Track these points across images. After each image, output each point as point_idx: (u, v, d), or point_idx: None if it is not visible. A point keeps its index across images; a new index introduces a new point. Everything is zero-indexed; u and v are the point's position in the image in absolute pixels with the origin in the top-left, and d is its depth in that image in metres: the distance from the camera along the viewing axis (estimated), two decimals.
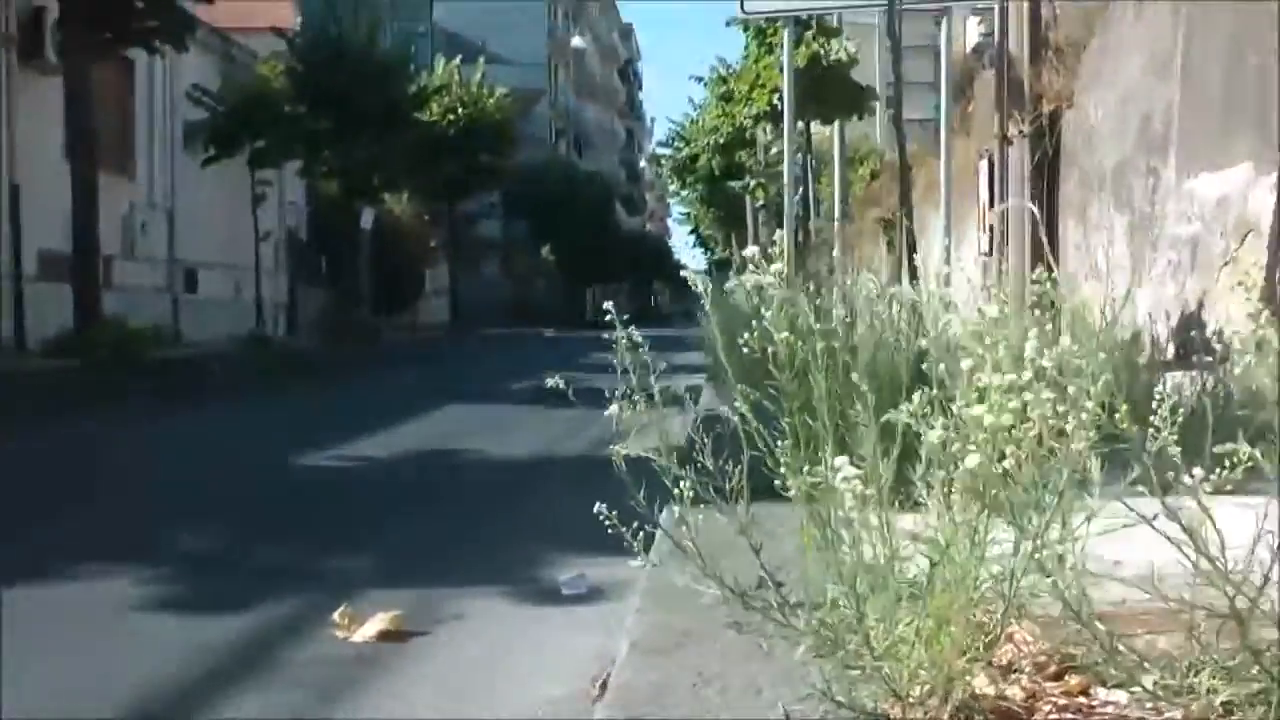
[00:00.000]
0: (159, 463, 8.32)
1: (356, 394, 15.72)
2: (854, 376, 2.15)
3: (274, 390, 16.06)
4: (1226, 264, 6.47)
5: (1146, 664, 2.07)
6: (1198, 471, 1.92)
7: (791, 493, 2.22)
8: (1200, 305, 6.61)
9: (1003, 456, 2.01)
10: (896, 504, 2.26)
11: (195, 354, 20.70)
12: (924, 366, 2.39)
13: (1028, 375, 2.00)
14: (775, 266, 2.25)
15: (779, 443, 2.23)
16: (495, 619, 3.94)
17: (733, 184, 29.93)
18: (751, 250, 2.33)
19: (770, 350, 2.33)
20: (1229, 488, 1.94)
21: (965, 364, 2.00)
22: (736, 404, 2.35)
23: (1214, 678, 2.01)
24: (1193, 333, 6.33)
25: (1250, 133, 6.45)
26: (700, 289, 2.66)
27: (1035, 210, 9.18)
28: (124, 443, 9.64)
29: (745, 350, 2.43)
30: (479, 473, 7.87)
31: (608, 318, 2.48)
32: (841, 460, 2.00)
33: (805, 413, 2.35)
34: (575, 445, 8.48)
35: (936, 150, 12.97)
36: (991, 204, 11.49)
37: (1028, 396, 1.91)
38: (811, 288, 4.41)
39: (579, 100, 77.45)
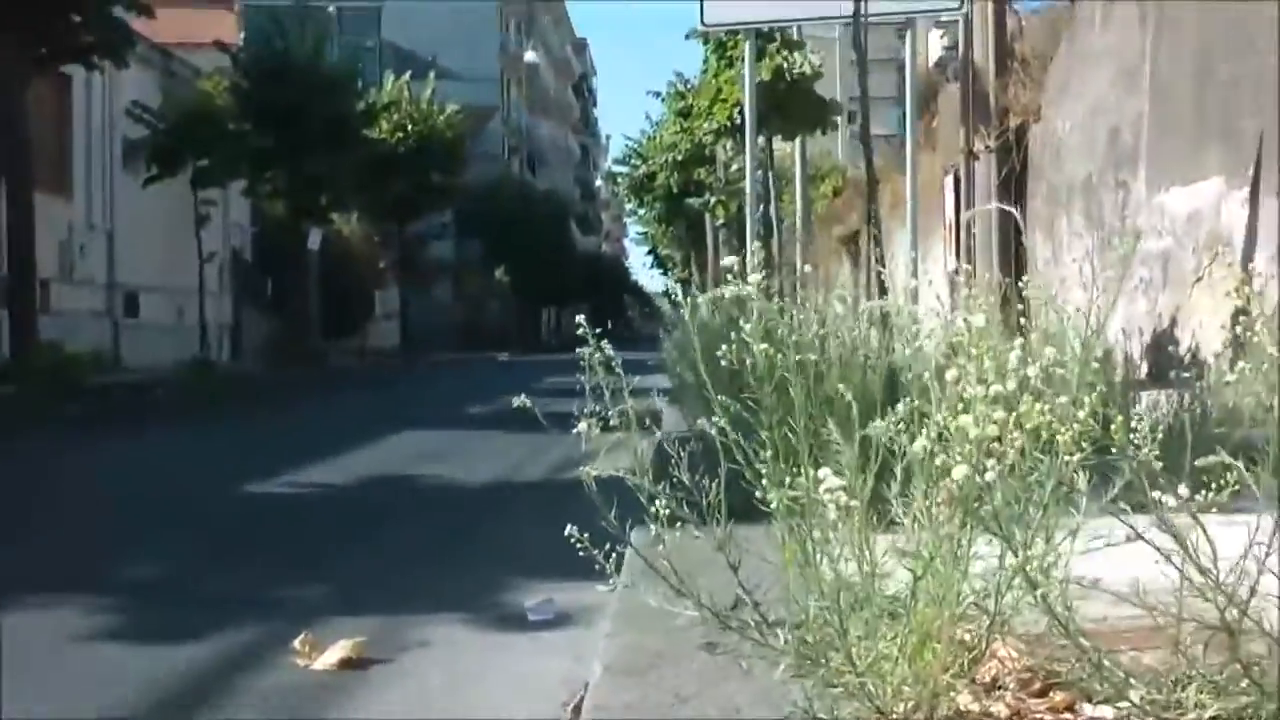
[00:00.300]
0: (102, 490, 8.26)
1: (306, 420, 15.66)
2: (839, 387, 2.18)
3: (220, 416, 15.96)
4: (1199, 279, 6.56)
5: (1133, 679, 2.10)
6: (1185, 485, 1.95)
7: (773, 505, 2.24)
8: (1173, 321, 6.70)
9: (984, 469, 2.04)
10: (874, 521, 2.28)
11: (137, 380, 20.57)
12: (904, 379, 2.43)
13: (1011, 386, 2.03)
14: (755, 278, 2.27)
15: (760, 454, 2.25)
16: (460, 645, 3.93)
17: (692, 201, 30.01)
18: (730, 260, 2.35)
19: (749, 363, 2.35)
20: (1213, 508, 1.97)
21: (950, 374, 2.03)
22: (715, 417, 2.36)
23: (1201, 692, 2.03)
24: (1169, 348, 6.41)
25: (1221, 146, 6.54)
26: (670, 305, 2.69)
27: (1017, 214, 9.27)
28: (64, 470, 9.56)
29: (723, 363, 2.45)
30: (439, 498, 7.86)
31: (580, 331, 2.50)
32: (825, 471, 2.02)
33: (784, 426, 2.37)
34: (537, 469, 8.49)
35: (901, 166, 13.08)
36: (958, 220, 11.60)
37: (1022, 408, 1.94)
38: (782, 303, 4.44)
39: (532, 116, 77.52)
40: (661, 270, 61.21)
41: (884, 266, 6.83)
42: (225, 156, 26.99)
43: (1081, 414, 1.95)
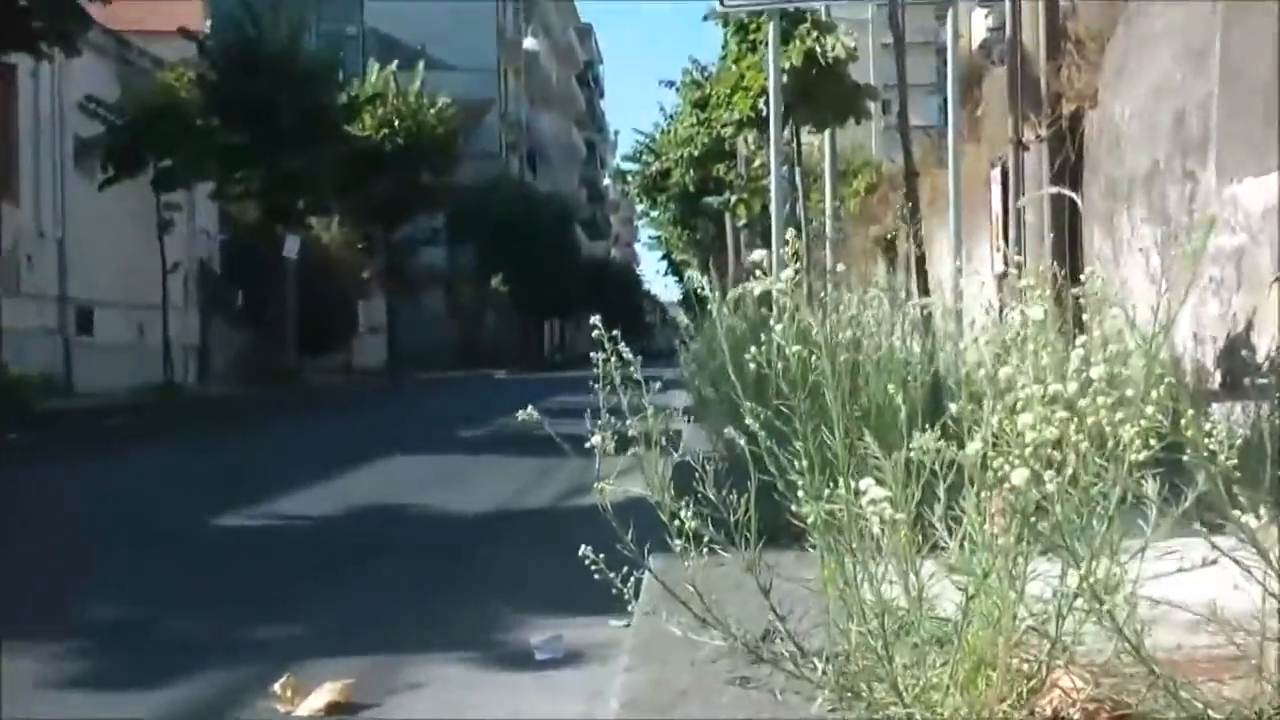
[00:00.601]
0: (60, 525, 8.28)
1: (284, 446, 15.68)
2: (889, 389, 2.19)
3: (188, 443, 16.00)
4: (1278, 279, 6.56)
5: (1212, 711, 2.10)
6: (1265, 500, 1.96)
7: (810, 521, 2.25)
8: (1249, 325, 6.69)
9: (1040, 479, 2.04)
10: (919, 542, 2.30)
11: (92, 404, 20.65)
12: (951, 383, 2.44)
13: (1073, 388, 2.04)
14: (787, 272, 2.29)
15: (794, 464, 2.27)
16: (458, 687, 3.94)
17: (710, 201, 30.05)
18: (760, 254, 2.37)
19: (780, 367, 2.37)
20: None
21: (1004, 372, 2.04)
22: (746, 423, 2.38)
23: None
24: (1244, 354, 6.41)
25: None
26: (692, 304, 2.72)
27: (1076, 197, 9.27)
28: (16, 504, 9.58)
29: (750, 367, 2.47)
30: (433, 528, 7.87)
31: (594, 333, 2.52)
32: (867, 482, 2.03)
33: (818, 435, 2.38)
34: (541, 496, 8.49)
35: (941, 158, 13.09)
36: (1006, 217, 11.61)
37: (1082, 403, 1.95)
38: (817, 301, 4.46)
39: (533, 110, 77.72)
40: (677, 277, 61.21)
41: (925, 267, 6.85)
42: (191, 155, 27.06)
43: (1149, 409, 1.96)
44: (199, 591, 5.87)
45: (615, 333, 2.56)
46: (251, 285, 33.86)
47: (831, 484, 2.27)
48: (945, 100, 12.24)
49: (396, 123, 42.37)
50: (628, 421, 2.56)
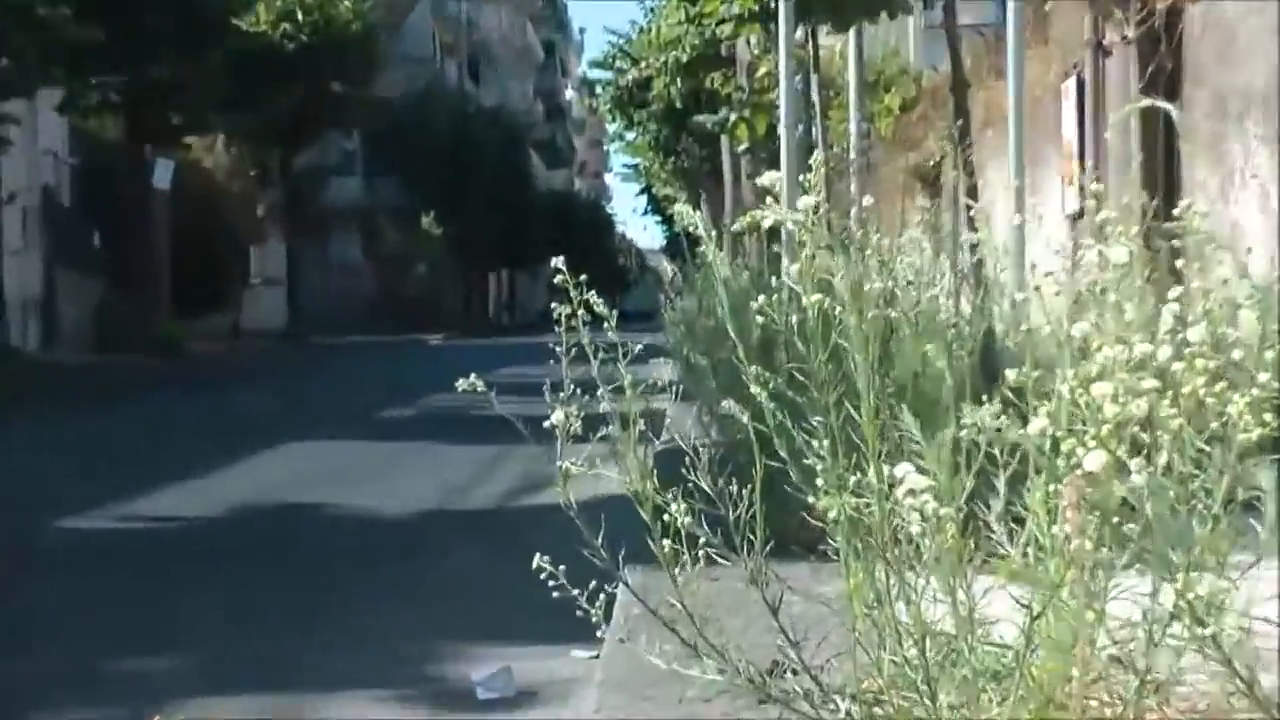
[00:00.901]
0: None
1: (153, 429, 15.65)
2: (927, 351, 2.19)
3: (26, 424, 15.93)
4: None
5: None
6: None
7: (831, 517, 2.25)
8: None
9: (1124, 467, 2.04)
10: (971, 547, 2.30)
11: None
12: (1011, 344, 2.44)
13: (1167, 350, 2.04)
14: (806, 200, 2.28)
15: (811, 446, 2.27)
16: None
17: (702, 119, 29.98)
18: (773, 176, 2.36)
19: (797, 321, 2.36)
20: None
21: (1078, 329, 2.04)
22: (752, 392, 2.38)
23: None
24: None
25: None
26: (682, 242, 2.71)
27: (1174, 110, 9.25)
28: None
29: (755, 320, 2.47)
30: (343, 533, 7.87)
31: (556, 279, 2.51)
32: (905, 468, 2.03)
33: (840, 408, 2.38)
34: (485, 493, 8.48)
35: (998, 68, 13.07)
36: (1082, 141, 11.61)
37: (1177, 368, 1.94)
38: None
39: (475, 2, 77.53)
40: (659, 217, 61.16)
41: (975, 201, 6.83)
42: (31, 55, 26.88)
43: (1263, 377, 1.96)
44: (43, 612, 5.86)
45: (583, 279, 2.55)
46: (111, 223, 33.65)
47: (859, 471, 2.27)
48: None
49: (300, 16, 42.15)
50: (599, 392, 2.56)
